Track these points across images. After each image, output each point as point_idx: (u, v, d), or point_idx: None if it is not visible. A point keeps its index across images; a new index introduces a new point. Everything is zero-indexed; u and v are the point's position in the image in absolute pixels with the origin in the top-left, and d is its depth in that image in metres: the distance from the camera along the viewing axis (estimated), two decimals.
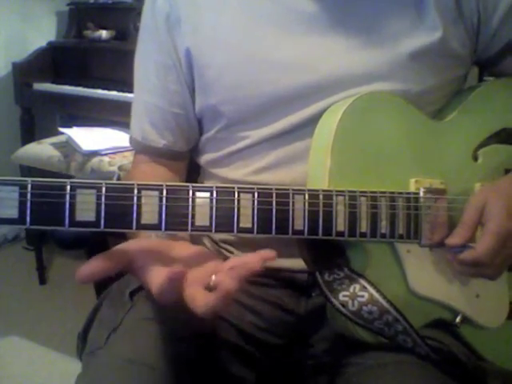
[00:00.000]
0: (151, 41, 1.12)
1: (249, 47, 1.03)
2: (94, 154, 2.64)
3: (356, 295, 0.89)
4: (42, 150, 2.79)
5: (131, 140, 1.20)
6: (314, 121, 0.98)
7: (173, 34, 1.08)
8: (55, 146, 2.79)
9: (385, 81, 1.00)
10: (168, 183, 0.76)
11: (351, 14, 1.01)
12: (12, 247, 3.41)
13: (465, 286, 1.00)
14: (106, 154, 2.64)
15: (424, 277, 0.96)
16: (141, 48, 1.16)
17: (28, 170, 2.80)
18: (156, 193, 0.75)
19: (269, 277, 1.10)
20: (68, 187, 0.72)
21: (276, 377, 1.13)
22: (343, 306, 0.89)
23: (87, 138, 2.73)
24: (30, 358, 2.47)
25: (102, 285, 1.27)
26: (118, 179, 2.10)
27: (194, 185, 0.77)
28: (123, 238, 1.23)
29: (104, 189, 0.73)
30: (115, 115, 2.85)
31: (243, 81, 1.04)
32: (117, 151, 2.67)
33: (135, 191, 0.74)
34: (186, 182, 1.20)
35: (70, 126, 2.90)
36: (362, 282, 0.90)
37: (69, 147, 2.75)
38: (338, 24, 1.01)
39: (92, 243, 1.23)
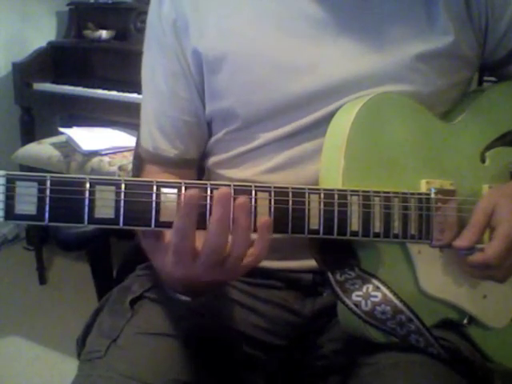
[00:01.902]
0: (159, 47, 1.10)
1: (259, 50, 1.03)
2: (94, 153, 2.65)
3: (369, 295, 0.89)
4: (42, 149, 2.79)
5: (141, 149, 1.17)
6: (323, 122, 0.98)
7: (180, 40, 1.06)
8: (55, 146, 2.79)
9: (394, 83, 1.00)
10: (186, 181, 0.76)
11: (360, 17, 1.01)
12: (12, 247, 3.40)
13: (473, 286, 1.00)
14: (106, 154, 2.65)
15: (434, 277, 0.96)
16: (148, 55, 1.13)
17: (28, 170, 2.78)
18: (174, 190, 0.75)
19: (274, 278, 1.11)
20: (87, 184, 0.71)
21: (285, 379, 1.13)
22: (356, 306, 0.89)
23: (87, 138, 2.74)
24: (30, 358, 2.47)
25: (103, 286, 1.27)
26: None
27: (212, 182, 0.77)
28: (126, 239, 1.23)
29: (123, 185, 0.73)
30: (115, 115, 2.86)
31: (254, 84, 1.03)
32: (117, 151, 2.67)
33: (154, 188, 0.74)
34: None
35: (70, 126, 2.90)
36: (375, 282, 0.90)
37: (69, 147, 2.75)
38: (346, 27, 1.01)
39: (94, 245, 1.23)
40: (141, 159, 1.20)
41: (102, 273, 1.30)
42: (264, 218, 0.78)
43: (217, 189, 0.76)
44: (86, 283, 1.43)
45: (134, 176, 1.41)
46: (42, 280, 3.04)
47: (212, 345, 1.03)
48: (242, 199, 0.76)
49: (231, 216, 0.76)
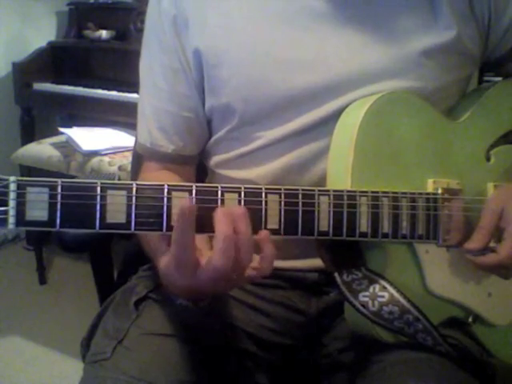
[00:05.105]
0: (158, 44, 1.09)
1: (260, 46, 1.02)
2: (94, 154, 2.65)
3: (376, 295, 0.89)
4: (42, 149, 2.79)
5: (138, 146, 1.16)
6: (328, 121, 0.98)
7: (180, 36, 1.05)
8: (55, 145, 2.79)
9: (400, 78, 1.00)
10: (198, 184, 0.76)
11: (363, 10, 1.01)
12: (12, 247, 3.40)
13: (478, 285, 1.01)
14: (105, 154, 2.65)
15: (441, 276, 0.97)
16: (146, 52, 1.13)
17: (28, 170, 2.81)
18: (185, 194, 0.74)
19: (279, 278, 1.10)
20: (98, 188, 0.71)
21: (290, 378, 1.13)
22: (363, 306, 0.89)
23: (87, 138, 2.74)
24: (30, 357, 2.46)
25: (104, 287, 1.27)
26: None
27: (222, 185, 0.77)
28: (126, 238, 1.23)
29: (135, 189, 0.72)
30: (115, 115, 2.86)
31: (256, 80, 1.02)
32: (117, 151, 2.67)
33: (165, 192, 0.73)
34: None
35: (70, 126, 2.90)
36: (382, 282, 0.90)
37: (69, 147, 2.75)
38: (350, 21, 1.00)
39: (95, 246, 1.23)
40: (139, 156, 1.19)
41: (104, 273, 1.30)
42: (262, 231, 0.77)
43: (228, 192, 0.77)
44: (86, 283, 1.43)
45: (132, 174, 1.41)
46: (42, 280, 3.04)
47: (217, 345, 1.03)
48: (239, 210, 0.75)
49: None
